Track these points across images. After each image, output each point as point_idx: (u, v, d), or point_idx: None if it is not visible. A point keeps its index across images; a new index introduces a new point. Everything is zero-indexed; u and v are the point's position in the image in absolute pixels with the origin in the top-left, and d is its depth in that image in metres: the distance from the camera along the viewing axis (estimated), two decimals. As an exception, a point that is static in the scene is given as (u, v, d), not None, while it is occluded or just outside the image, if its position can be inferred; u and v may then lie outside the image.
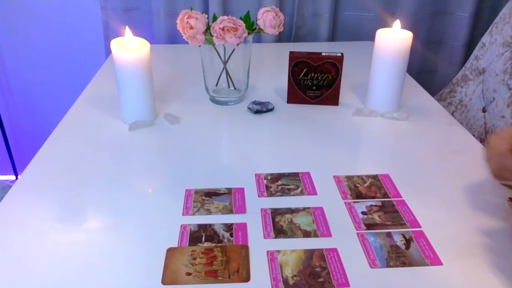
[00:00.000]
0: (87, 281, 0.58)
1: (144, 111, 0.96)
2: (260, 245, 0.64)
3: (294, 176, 0.80)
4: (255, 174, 0.81)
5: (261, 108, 1.02)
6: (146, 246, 0.64)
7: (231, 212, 0.71)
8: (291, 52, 1.02)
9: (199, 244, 0.64)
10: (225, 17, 0.91)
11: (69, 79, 1.63)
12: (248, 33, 0.95)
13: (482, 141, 1.13)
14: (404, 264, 0.61)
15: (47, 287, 0.58)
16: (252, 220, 0.69)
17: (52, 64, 1.64)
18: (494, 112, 1.19)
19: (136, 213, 0.71)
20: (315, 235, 0.66)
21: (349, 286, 0.58)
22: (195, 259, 0.61)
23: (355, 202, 0.74)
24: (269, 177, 0.80)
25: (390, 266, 0.61)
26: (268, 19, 0.95)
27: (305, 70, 1.02)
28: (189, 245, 0.64)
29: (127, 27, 0.92)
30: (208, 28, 0.94)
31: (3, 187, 1.09)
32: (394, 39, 0.96)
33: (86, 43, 1.60)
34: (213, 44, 0.97)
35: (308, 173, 0.81)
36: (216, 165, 0.84)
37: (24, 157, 1.72)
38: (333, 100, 1.04)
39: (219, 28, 0.91)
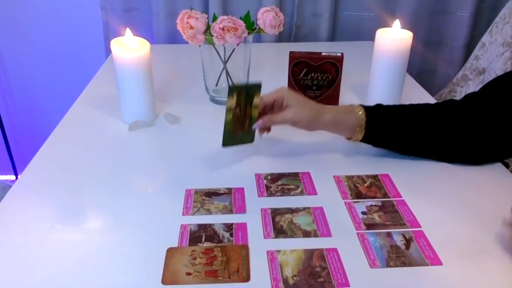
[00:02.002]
0: (87, 281, 0.58)
1: (144, 111, 0.96)
2: (260, 245, 0.64)
3: (294, 176, 0.80)
4: (255, 174, 0.80)
5: (261, 108, 1.02)
6: (146, 246, 0.64)
7: (231, 212, 0.71)
8: (291, 52, 1.02)
9: (199, 244, 0.64)
10: (225, 17, 0.91)
11: (69, 79, 1.63)
12: (248, 33, 0.95)
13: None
14: (404, 264, 0.61)
15: (47, 287, 0.58)
16: (252, 220, 0.69)
17: (52, 64, 1.64)
18: (494, 112, 1.19)
19: (136, 213, 0.71)
20: (315, 235, 0.66)
21: (349, 286, 0.58)
22: (195, 259, 0.61)
23: (355, 202, 0.74)
24: (269, 177, 0.80)
25: (390, 266, 0.61)
26: (268, 19, 0.95)
27: (305, 70, 1.02)
28: (189, 245, 0.64)
29: (127, 29, 0.92)
30: (208, 28, 0.94)
31: (3, 187, 1.09)
32: (394, 39, 0.96)
33: (86, 43, 1.60)
34: (213, 44, 0.97)
35: (308, 173, 0.81)
36: (216, 165, 0.84)
37: (24, 157, 1.71)
38: (333, 100, 1.04)
39: (219, 28, 0.91)
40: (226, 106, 0.75)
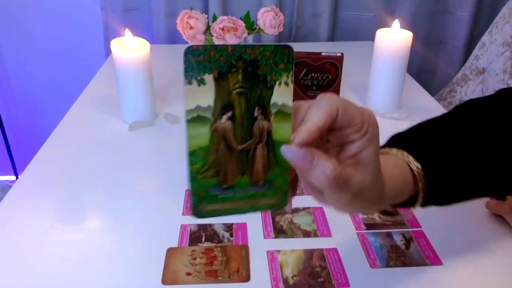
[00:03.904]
0: (87, 281, 0.58)
1: (144, 111, 0.96)
2: (260, 245, 0.64)
3: (294, 176, 0.80)
4: (255, 174, 0.80)
5: (261, 108, 1.02)
6: (146, 246, 0.64)
7: (231, 212, 0.71)
8: (291, 52, 1.02)
9: (199, 244, 0.64)
10: (225, 17, 0.92)
11: (69, 79, 1.63)
12: (248, 33, 0.95)
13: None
14: (404, 264, 0.61)
15: (47, 287, 0.58)
16: (252, 220, 0.69)
17: (52, 64, 1.64)
18: (494, 112, 1.19)
19: (136, 213, 0.71)
20: (315, 235, 0.66)
21: (349, 286, 0.58)
22: (195, 259, 0.61)
23: (355, 202, 0.73)
24: (269, 177, 0.80)
25: (390, 266, 0.61)
26: (268, 19, 0.95)
27: (305, 70, 1.02)
28: (189, 245, 0.64)
29: (127, 29, 0.92)
30: (208, 28, 0.94)
31: (3, 187, 1.09)
32: (394, 39, 0.96)
33: (86, 43, 1.60)
34: (213, 44, 0.97)
35: (308, 173, 0.81)
36: (216, 165, 0.84)
37: (24, 157, 1.72)
38: (333, 100, 1.04)
39: (219, 28, 0.91)
40: (188, 132, 0.34)
